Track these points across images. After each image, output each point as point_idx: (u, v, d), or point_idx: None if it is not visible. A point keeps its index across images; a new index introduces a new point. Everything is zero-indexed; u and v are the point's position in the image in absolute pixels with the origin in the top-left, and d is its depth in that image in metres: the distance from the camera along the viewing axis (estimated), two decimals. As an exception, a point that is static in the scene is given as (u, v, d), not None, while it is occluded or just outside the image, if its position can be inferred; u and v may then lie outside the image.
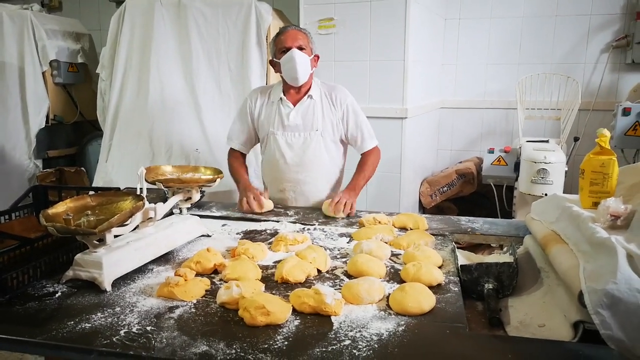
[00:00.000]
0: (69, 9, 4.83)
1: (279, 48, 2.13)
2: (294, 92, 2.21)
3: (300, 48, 2.10)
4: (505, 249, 1.58)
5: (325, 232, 1.82)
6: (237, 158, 2.34)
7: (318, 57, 2.22)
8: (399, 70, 3.06)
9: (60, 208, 1.35)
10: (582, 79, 3.75)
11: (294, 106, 2.19)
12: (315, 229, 1.85)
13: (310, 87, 2.20)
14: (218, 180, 1.80)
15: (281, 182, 2.26)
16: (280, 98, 2.20)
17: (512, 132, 4.00)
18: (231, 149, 2.36)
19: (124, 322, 1.13)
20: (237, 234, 1.81)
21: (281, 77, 2.19)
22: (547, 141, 3.41)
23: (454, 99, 4.15)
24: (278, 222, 1.93)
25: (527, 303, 1.28)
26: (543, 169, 3.03)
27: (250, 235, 1.79)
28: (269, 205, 2.10)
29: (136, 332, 1.09)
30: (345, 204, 2.00)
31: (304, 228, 1.86)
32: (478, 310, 1.26)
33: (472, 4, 3.96)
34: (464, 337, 1.08)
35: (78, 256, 1.32)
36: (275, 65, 2.17)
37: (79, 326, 1.12)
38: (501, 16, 3.91)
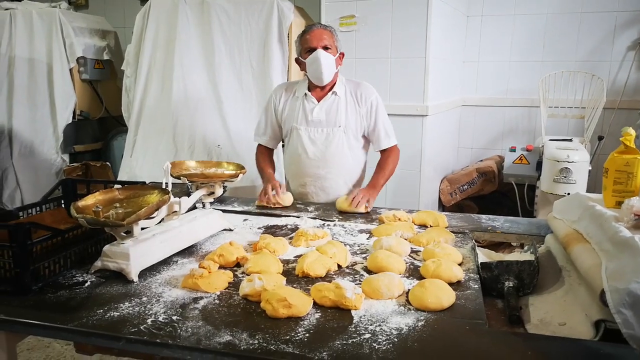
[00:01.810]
0: (95, 7, 4.93)
1: (304, 47, 2.15)
2: (319, 88, 2.22)
3: (326, 48, 2.11)
4: (526, 247, 1.57)
5: (345, 228, 1.83)
6: (263, 153, 2.37)
7: (343, 55, 2.23)
8: (420, 68, 3.05)
9: (89, 201, 1.39)
10: (607, 77, 3.68)
11: (318, 102, 2.21)
12: (335, 224, 1.87)
13: (335, 84, 2.22)
14: (240, 175, 1.83)
15: (302, 176, 2.28)
16: (305, 94, 2.22)
17: (535, 131, 3.95)
18: (259, 144, 2.39)
19: (151, 312, 1.17)
20: (259, 228, 1.84)
21: (305, 75, 2.22)
22: (570, 140, 3.36)
23: (476, 96, 4.11)
24: (298, 217, 1.95)
25: (547, 301, 1.27)
26: (566, 168, 2.99)
27: (271, 230, 1.82)
28: (287, 200, 2.12)
29: (162, 321, 1.13)
30: (361, 199, 2.01)
31: (324, 224, 1.88)
32: (498, 308, 1.26)
33: (495, 1, 3.92)
34: (483, 334, 1.08)
35: (106, 247, 1.37)
36: (300, 64, 2.19)
37: (108, 314, 1.16)
38: (525, 13, 3.86)
